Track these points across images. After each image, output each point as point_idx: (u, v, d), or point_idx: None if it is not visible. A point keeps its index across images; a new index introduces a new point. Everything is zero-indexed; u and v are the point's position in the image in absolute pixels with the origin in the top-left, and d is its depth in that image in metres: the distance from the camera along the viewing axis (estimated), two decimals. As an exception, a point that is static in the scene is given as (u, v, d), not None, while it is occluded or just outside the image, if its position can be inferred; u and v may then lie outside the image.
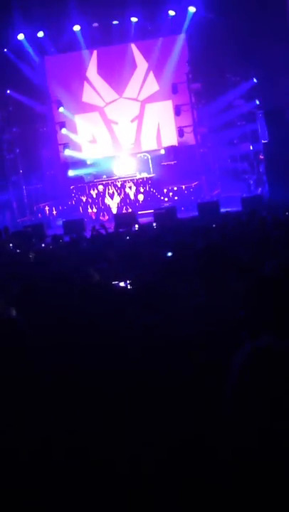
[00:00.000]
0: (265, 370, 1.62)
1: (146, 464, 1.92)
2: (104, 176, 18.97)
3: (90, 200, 18.58)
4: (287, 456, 1.53)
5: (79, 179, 19.17)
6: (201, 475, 1.80)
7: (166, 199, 18.35)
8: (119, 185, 18.50)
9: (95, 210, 18.49)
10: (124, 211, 17.72)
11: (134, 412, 2.22)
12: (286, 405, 1.55)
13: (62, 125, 19.88)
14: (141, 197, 18.36)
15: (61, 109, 19.78)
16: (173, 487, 1.86)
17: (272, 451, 1.54)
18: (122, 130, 20.07)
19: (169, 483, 1.86)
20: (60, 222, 16.71)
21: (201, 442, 1.90)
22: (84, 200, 18.62)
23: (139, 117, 20.06)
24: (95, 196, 18.57)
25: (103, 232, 9.83)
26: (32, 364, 2.18)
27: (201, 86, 19.37)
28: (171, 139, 19.90)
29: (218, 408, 1.78)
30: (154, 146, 19.85)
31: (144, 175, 18.62)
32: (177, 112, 19.66)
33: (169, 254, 6.00)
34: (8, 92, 19.24)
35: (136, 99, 20.00)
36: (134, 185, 18.43)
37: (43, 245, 10.82)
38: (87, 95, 20.10)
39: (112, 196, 18.46)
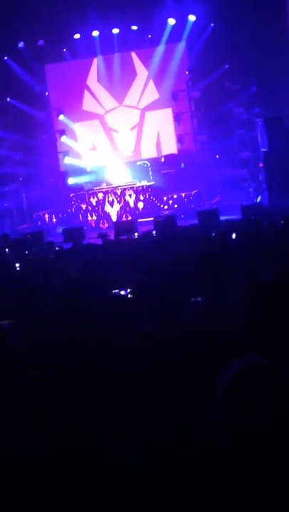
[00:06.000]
0: (252, 389, 1.64)
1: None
2: (104, 184, 18.97)
3: (90, 208, 18.57)
4: (274, 473, 1.56)
5: (79, 187, 19.18)
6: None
7: (165, 207, 18.34)
8: (119, 193, 18.50)
9: (94, 217, 18.48)
10: (124, 219, 17.71)
11: (130, 418, 2.20)
12: (272, 423, 1.58)
13: (62, 133, 19.91)
14: (141, 205, 18.36)
15: (61, 117, 19.81)
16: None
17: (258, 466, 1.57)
18: (122, 138, 20.09)
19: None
20: (59, 230, 16.69)
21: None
22: (84, 207, 18.62)
23: (139, 125, 20.09)
24: (94, 204, 18.57)
25: (100, 242, 9.77)
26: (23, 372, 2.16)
27: (200, 94, 19.41)
28: (171, 146, 19.91)
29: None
30: (153, 154, 19.87)
31: (144, 183, 18.62)
32: (177, 119, 19.69)
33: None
34: (8, 99, 19.28)
35: (136, 107, 20.04)
36: (134, 193, 18.43)
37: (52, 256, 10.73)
38: (88, 103, 20.14)
39: (111, 204, 18.46)
